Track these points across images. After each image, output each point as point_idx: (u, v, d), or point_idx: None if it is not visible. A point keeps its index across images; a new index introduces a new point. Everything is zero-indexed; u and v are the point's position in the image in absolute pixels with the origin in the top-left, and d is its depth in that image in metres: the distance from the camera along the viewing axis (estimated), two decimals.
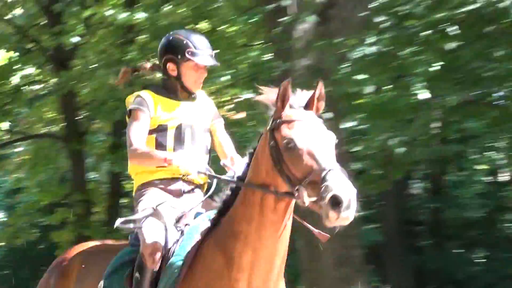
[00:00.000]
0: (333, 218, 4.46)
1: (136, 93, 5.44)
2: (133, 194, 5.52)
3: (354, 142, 12.21)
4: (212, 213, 5.19)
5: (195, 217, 5.26)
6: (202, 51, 5.42)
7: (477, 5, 10.86)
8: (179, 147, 5.36)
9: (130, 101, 5.44)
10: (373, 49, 10.83)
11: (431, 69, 10.68)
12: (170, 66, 5.45)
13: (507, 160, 15.47)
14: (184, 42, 5.40)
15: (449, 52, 10.87)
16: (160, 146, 5.34)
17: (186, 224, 5.22)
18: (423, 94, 10.59)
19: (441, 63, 10.71)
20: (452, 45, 10.82)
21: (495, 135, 13.63)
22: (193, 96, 5.56)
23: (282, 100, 4.85)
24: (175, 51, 5.40)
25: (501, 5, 10.73)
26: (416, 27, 10.97)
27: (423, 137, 12.15)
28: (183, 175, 5.36)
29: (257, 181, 4.94)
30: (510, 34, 10.97)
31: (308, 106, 4.93)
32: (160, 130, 5.35)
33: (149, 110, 5.35)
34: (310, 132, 4.80)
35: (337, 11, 11.29)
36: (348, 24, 11.24)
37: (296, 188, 4.64)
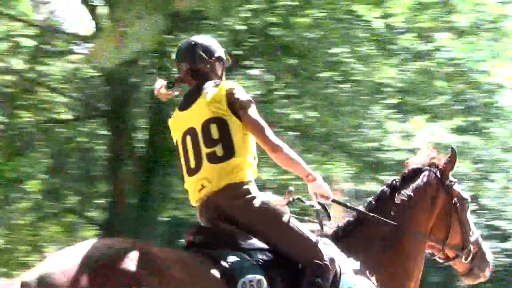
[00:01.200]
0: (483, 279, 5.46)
1: (239, 84, 4.79)
2: (235, 183, 4.60)
3: None
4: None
5: None
6: None
7: None
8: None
9: (243, 90, 4.72)
10: None
11: None
12: (218, 66, 4.89)
13: None
14: (217, 43, 4.99)
15: None
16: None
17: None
18: None
19: None
20: None
21: None
22: None
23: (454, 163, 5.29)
24: (221, 51, 4.93)
25: None
26: None
27: None
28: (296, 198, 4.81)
29: (424, 229, 5.18)
30: None
31: None
32: None
33: None
34: None
35: None
36: None
37: (466, 248, 5.26)
